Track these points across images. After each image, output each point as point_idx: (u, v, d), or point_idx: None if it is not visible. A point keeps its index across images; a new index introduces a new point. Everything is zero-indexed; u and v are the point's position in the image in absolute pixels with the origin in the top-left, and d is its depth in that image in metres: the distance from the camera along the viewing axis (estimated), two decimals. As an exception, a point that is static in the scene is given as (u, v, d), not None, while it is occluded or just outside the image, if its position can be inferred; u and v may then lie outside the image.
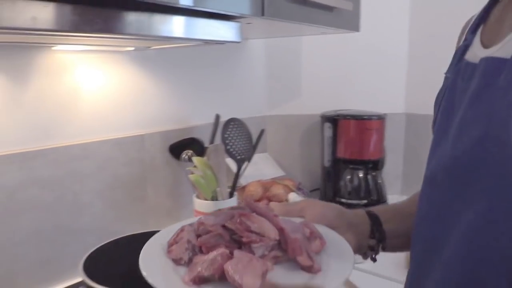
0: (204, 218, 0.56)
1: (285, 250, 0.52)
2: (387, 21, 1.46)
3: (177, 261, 0.53)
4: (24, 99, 0.87)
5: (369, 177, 1.36)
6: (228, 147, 1.11)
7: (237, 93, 1.38)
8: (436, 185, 0.50)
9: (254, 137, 1.19)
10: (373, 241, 0.63)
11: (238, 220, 0.53)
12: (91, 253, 0.76)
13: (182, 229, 0.57)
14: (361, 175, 1.36)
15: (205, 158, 1.09)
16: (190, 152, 1.10)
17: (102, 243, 0.81)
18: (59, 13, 0.53)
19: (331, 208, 0.63)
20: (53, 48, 0.90)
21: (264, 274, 0.48)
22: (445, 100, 0.52)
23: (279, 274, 0.50)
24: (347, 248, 0.54)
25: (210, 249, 0.52)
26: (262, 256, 0.51)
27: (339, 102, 1.48)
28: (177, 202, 1.18)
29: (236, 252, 0.50)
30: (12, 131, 0.86)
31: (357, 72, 1.49)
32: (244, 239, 0.52)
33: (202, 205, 1.06)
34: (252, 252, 0.51)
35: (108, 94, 1.02)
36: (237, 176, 1.14)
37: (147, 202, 1.10)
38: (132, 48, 1.01)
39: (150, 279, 0.49)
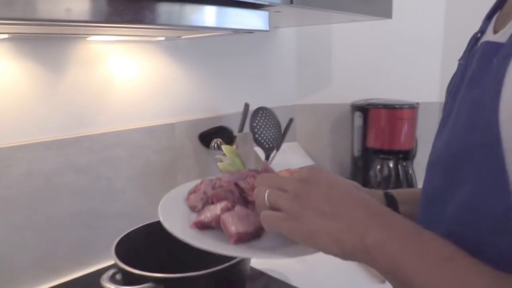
0: (221, 175, 0.61)
1: None
2: (421, 7, 1.41)
3: (192, 208, 0.59)
4: (60, 88, 0.91)
5: (399, 167, 1.34)
6: (257, 135, 1.12)
7: (266, 82, 1.39)
8: (434, 170, 0.50)
9: (283, 126, 1.20)
10: None
11: (248, 180, 0.58)
12: (123, 237, 0.79)
13: (201, 182, 0.63)
14: (391, 165, 1.34)
15: (234, 146, 1.10)
16: (219, 140, 1.12)
17: (134, 227, 0.84)
18: (92, 5, 0.54)
19: (348, 183, 0.64)
20: (87, 38, 0.92)
21: (256, 229, 0.52)
22: (454, 87, 0.52)
23: (273, 233, 0.51)
24: None
25: (219, 201, 0.57)
26: None
27: (370, 91, 1.45)
28: (206, 190, 1.20)
29: (237, 207, 0.55)
30: (50, 119, 0.90)
31: (389, 60, 1.46)
32: (249, 198, 0.57)
33: (230, 193, 1.07)
34: (255, 210, 0.53)
35: (140, 83, 1.04)
36: (265, 164, 1.14)
37: (177, 189, 1.13)
38: (163, 38, 1.03)
39: (161, 217, 0.55)
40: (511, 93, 0.36)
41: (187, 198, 0.62)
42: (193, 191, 0.62)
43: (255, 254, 0.51)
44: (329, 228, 0.42)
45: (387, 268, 0.39)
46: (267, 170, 0.61)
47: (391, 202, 0.64)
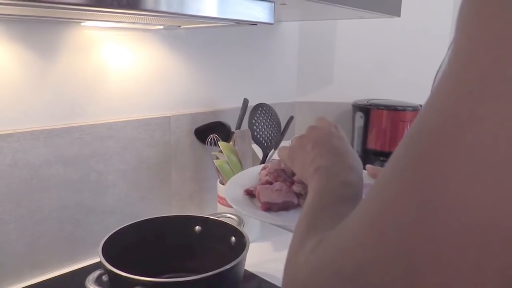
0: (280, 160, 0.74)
1: None
2: (430, 7, 1.38)
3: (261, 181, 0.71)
4: (51, 75, 0.86)
5: (400, 170, 1.31)
6: (255, 133, 1.08)
7: (267, 78, 1.34)
8: None
9: (283, 124, 1.16)
10: None
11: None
12: (112, 235, 0.75)
13: (270, 161, 0.76)
14: (391, 168, 1.31)
15: (230, 143, 1.06)
16: (215, 136, 1.08)
17: (124, 225, 0.80)
18: (85, -14, 0.50)
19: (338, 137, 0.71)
20: (81, 24, 0.88)
21: (284, 202, 0.64)
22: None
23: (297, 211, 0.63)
24: None
25: (275, 178, 0.70)
26: (298, 194, 0.66)
27: (373, 91, 1.42)
28: (200, 186, 1.16)
29: (276, 183, 0.68)
30: (38, 107, 0.85)
31: (393, 59, 1.42)
32: (294, 178, 0.68)
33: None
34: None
35: (135, 73, 1.00)
36: (262, 163, 1.11)
37: (170, 185, 1.09)
38: (161, 27, 0.98)
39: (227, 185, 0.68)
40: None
41: (259, 172, 0.74)
42: (264, 168, 0.74)
43: (273, 220, 0.62)
44: (302, 158, 0.58)
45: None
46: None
47: None
